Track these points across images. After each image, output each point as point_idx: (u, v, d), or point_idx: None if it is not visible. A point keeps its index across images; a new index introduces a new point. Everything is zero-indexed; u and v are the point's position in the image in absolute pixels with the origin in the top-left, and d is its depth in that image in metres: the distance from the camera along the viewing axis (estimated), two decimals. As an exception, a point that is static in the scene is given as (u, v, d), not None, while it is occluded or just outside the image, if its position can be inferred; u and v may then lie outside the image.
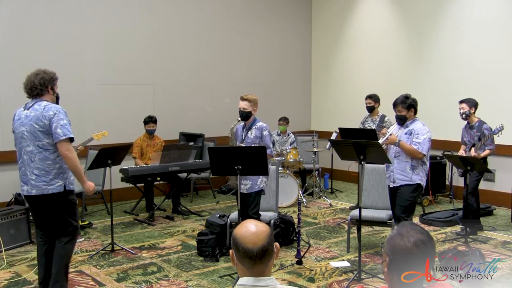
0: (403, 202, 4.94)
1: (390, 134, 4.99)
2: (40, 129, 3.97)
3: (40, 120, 3.96)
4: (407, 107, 4.93)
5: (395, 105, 5.00)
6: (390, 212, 5.42)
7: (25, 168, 4.06)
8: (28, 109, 4.05)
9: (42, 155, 4.00)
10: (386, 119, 7.45)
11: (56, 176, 4.03)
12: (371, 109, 7.60)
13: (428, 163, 5.03)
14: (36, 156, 4.00)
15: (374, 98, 7.57)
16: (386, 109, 7.37)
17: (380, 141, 4.99)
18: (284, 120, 8.58)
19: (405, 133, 4.96)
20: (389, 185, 5.12)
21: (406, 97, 4.96)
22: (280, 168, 7.18)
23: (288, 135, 8.64)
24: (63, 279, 4.19)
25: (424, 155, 4.89)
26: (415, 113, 5.01)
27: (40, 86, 4.04)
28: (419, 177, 4.93)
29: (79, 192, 6.39)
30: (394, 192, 5.04)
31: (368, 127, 7.49)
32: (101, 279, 4.90)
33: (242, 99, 5.32)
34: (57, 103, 4.20)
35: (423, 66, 8.57)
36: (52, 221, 4.16)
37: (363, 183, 5.37)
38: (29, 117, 4.00)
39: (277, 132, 8.61)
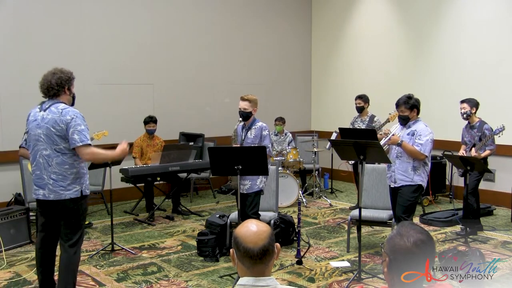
0: (404, 202, 4.93)
1: (393, 134, 4.98)
2: (57, 133, 3.88)
3: (58, 124, 3.87)
4: (409, 107, 4.92)
5: (397, 105, 4.99)
6: (390, 212, 5.42)
7: (41, 171, 3.95)
8: (44, 110, 3.93)
9: (59, 159, 3.91)
10: (375, 119, 7.47)
11: (73, 181, 3.96)
12: (360, 109, 7.61)
13: (429, 164, 5.03)
14: (54, 160, 3.91)
15: (363, 99, 7.59)
16: (386, 109, 7.37)
17: (383, 141, 4.99)
18: (280, 120, 8.58)
19: (408, 134, 4.95)
20: (390, 185, 5.11)
21: (409, 97, 4.95)
22: (280, 168, 7.18)
23: (286, 134, 8.65)
24: None
25: (426, 156, 4.88)
26: (418, 113, 5.00)
27: (57, 87, 3.94)
28: (421, 178, 4.93)
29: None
30: (395, 192, 5.04)
31: (358, 127, 7.51)
32: (101, 279, 4.90)
33: (243, 99, 5.32)
34: (73, 103, 4.13)
35: (423, 66, 8.57)
36: (61, 226, 4.05)
37: (363, 183, 5.37)
38: (46, 119, 3.90)
39: (274, 132, 8.60)
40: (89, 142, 3.96)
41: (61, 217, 4.04)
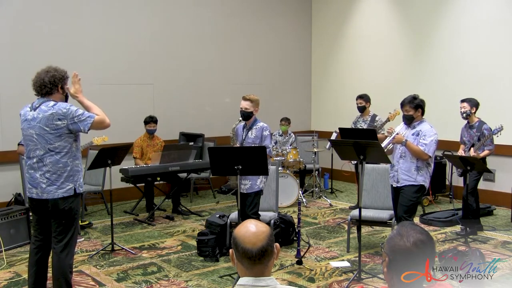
0: (406, 202, 4.94)
1: (397, 133, 5.00)
2: (51, 132, 3.81)
3: (51, 122, 3.80)
4: (414, 107, 4.93)
5: (402, 104, 5.01)
6: (390, 212, 5.42)
7: (34, 171, 3.89)
8: (34, 109, 3.87)
9: (53, 158, 3.84)
10: (377, 118, 7.46)
11: (66, 179, 3.88)
12: (362, 109, 7.60)
13: (432, 165, 5.04)
14: (47, 159, 3.84)
15: (365, 98, 7.58)
16: (386, 108, 7.36)
17: (387, 140, 5.00)
18: (286, 121, 8.62)
19: (412, 134, 4.96)
20: (392, 185, 5.12)
21: (414, 97, 4.97)
22: (280, 168, 7.18)
23: (289, 135, 8.68)
24: None
25: (430, 156, 4.89)
26: (423, 114, 5.01)
27: (50, 85, 3.88)
28: (423, 178, 4.94)
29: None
30: (397, 192, 5.05)
31: (360, 127, 7.51)
32: (101, 279, 4.90)
33: (245, 99, 5.31)
34: (66, 102, 4.04)
35: (423, 66, 8.56)
36: (53, 226, 3.97)
37: (363, 183, 5.37)
38: (37, 119, 3.83)
39: (279, 133, 8.63)
40: (93, 116, 3.92)
41: (53, 216, 3.94)
